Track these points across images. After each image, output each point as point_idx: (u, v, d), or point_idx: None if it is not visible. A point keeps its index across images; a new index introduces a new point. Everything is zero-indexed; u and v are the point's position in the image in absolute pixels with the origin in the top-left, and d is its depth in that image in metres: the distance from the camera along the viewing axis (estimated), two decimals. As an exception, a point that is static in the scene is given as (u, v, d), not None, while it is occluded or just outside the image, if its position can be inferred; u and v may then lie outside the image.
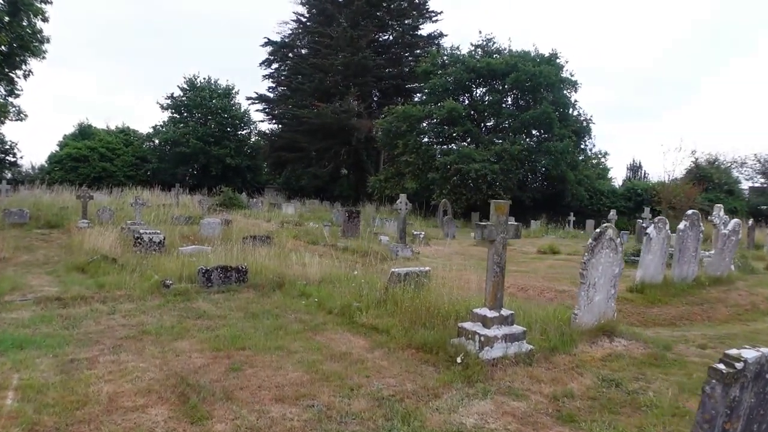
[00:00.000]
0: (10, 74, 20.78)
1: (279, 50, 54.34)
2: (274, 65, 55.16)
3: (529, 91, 39.96)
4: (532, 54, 41.54)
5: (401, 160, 39.37)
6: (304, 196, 44.09)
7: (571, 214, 35.69)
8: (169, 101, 51.89)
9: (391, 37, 53.40)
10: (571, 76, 41.96)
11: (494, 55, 41.97)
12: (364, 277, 10.23)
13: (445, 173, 35.94)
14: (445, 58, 43.63)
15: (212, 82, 53.09)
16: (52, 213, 20.80)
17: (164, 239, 14.25)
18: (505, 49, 43.03)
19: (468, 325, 6.71)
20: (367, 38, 49.17)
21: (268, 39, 53.64)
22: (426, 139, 40.87)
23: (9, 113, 19.70)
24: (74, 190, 29.04)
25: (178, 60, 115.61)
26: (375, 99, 52.53)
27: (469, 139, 39.72)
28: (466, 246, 21.47)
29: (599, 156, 46.34)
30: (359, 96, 47.97)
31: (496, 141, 38.51)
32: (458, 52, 43.41)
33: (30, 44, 19.95)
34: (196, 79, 52.45)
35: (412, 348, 6.88)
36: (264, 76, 55.95)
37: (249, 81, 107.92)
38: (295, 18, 53.84)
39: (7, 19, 18.90)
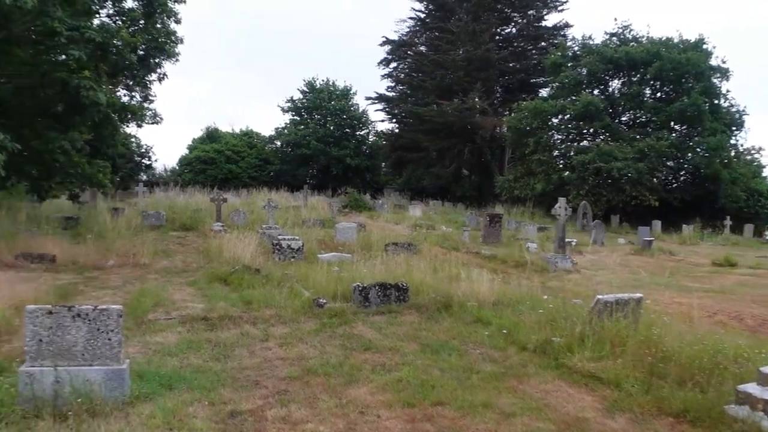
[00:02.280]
0: (146, 78, 20.76)
1: (397, 49, 53.31)
2: (393, 64, 54.23)
3: (673, 82, 36.16)
4: (675, 40, 37.68)
5: (532, 159, 36.88)
6: (425, 197, 42.66)
7: (728, 217, 31.76)
8: (289, 104, 52.33)
9: (514, 30, 50.81)
10: (723, 63, 37.63)
11: (631, 44, 38.47)
12: (553, 302, 8.42)
13: (582, 172, 33.13)
14: (576, 48, 40.64)
15: (331, 83, 52.99)
16: (186, 215, 20.63)
17: (303, 246, 13.19)
18: (642, 36, 39.40)
19: (755, 390, 4.76)
20: (489, 31, 46.97)
21: (386, 38, 52.78)
22: (558, 136, 38.12)
23: (145, 116, 19.59)
24: (204, 191, 29.35)
25: (297, 63, 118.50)
26: (498, 95, 50.17)
27: (606, 135, 36.50)
28: (624, 255, 19.00)
29: (753, 152, 41.37)
30: (482, 92, 45.83)
31: (638, 137, 35.04)
32: (591, 42, 40.26)
33: (164, 45, 19.68)
34: (315, 82, 52.58)
35: (666, 414, 5.03)
36: (382, 76, 55.18)
37: (367, 81, 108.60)
38: (413, 15, 52.59)
39: (142, 22, 18.67)
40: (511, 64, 48.70)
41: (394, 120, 53.82)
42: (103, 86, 14.80)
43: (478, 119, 44.08)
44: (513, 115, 39.46)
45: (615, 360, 6.14)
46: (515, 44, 50.46)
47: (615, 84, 39.36)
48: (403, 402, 5.19)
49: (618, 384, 5.65)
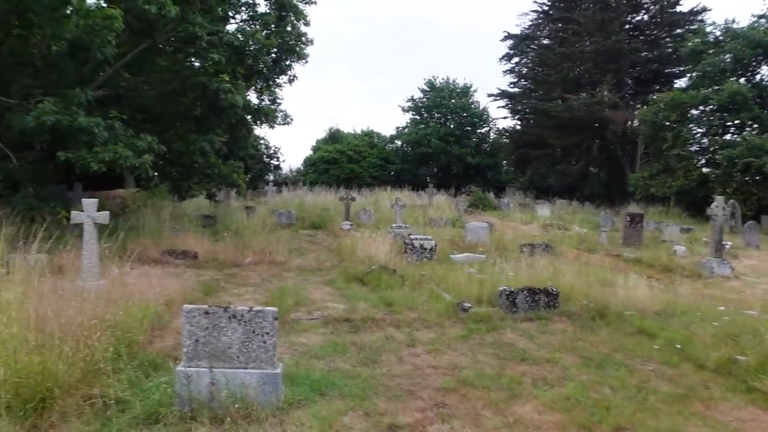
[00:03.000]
0: (277, 80, 21.18)
1: (519, 43, 51.69)
2: (515, 59, 52.67)
3: (836, 66, 32.15)
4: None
5: (670, 154, 34.19)
6: (550, 196, 40.97)
7: None
8: (409, 103, 52.33)
9: (645, 17, 47.50)
10: None
11: (784, 25, 34.60)
12: (729, 313, 7.40)
13: (728, 168, 30.21)
14: (717, 34, 37.21)
15: (451, 82, 52.39)
16: (315, 214, 20.93)
17: (435, 246, 12.77)
18: (796, 16, 35.31)
19: None
20: (619, 20, 44.24)
21: (508, 33, 51.33)
22: (699, 130, 35.09)
23: (277, 118, 20.02)
24: (329, 191, 29.83)
25: (417, 63, 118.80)
26: (629, 87, 47.19)
27: (755, 128, 33.08)
28: (788, 259, 16.92)
29: None
30: (613, 85, 43.26)
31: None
32: (735, 26, 36.70)
33: (294, 47, 19.94)
34: (435, 80, 52.23)
35: None
36: (504, 72, 53.84)
37: (488, 78, 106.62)
38: (535, 8, 50.75)
39: (273, 26, 19.04)
40: (643, 54, 45.57)
41: (516, 117, 52.26)
42: (240, 89, 15.17)
43: (608, 113, 41.65)
44: (647, 107, 36.80)
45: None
46: (647, 32, 47.19)
47: (765, 71, 35.66)
48: (578, 425, 4.58)
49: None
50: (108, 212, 8.34)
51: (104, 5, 11.77)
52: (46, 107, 10.90)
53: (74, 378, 4.74)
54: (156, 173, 15.85)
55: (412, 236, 13.44)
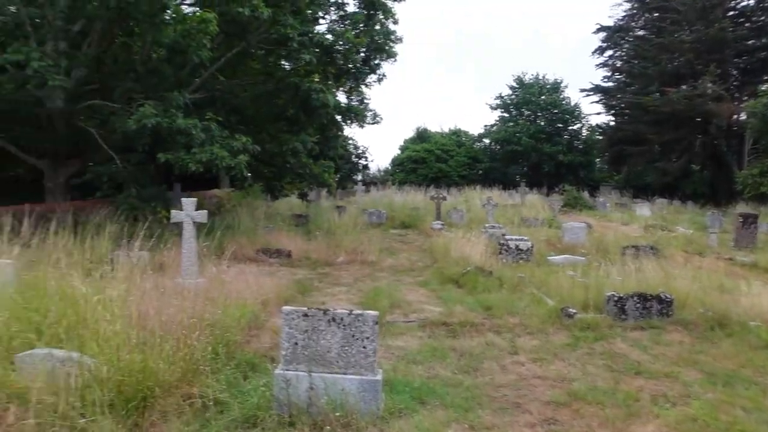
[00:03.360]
0: (366, 79, 21.14)
1: (613, 35, 49.39)
2: (608, 52, 50.41)
3: None
4: None
5: (785, 149, 31.64)
6: (648, 195, 38.88)
7: None
8: (498, 101, 51.34)
9: (752, 2, 44.14)
10: None
11: None
12: None
13: None
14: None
15: (540, 77, 50.96)
16: (404, 214, 20.76)
17: (532, 247, 12.23)
18: None
19: None
20: (723, 6, 41.33)
21: (601, 25, 49.14)
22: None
23: (367, 117, 19.98)
24: (417, 190, 29.61)
25: (504, 59, 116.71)
26: (735, 78, 44.06)
27: None
28: None
29: None
30: (716, 76, 40.51)
31: None
32: None
33: (384, 46, 19.79)
34: (524, 77, 50.96)
35: None
36: (597, 65, 51.55)
37: (579, 74, 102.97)
38: (630, -3, 48.29)
39: (362, 26, 18.98)
40: (749, 42, 42.40)
41: (611, 112, 49.94)
42: (331, 89, 15.21)
43: (712, 107, 39.00)
44: (756, 99, 34.15)
45: None
46: (754, 19, 43.81)
47: None
48: (713, 451, 4.07)
49: None
50: (206, 211, 8.45)
51: (199, 10, 12.06)
52: (146, 110, 11.26)
53: (174, 377, 4.70)
54: (250, 173, 16.17)
55: (506, 236, 12.95)
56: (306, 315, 4.49)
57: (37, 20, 12.91)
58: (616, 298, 7.58)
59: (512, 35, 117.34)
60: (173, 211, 8.48)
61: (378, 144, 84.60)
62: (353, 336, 4.47)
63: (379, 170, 52.78)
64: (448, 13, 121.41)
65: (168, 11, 12.36)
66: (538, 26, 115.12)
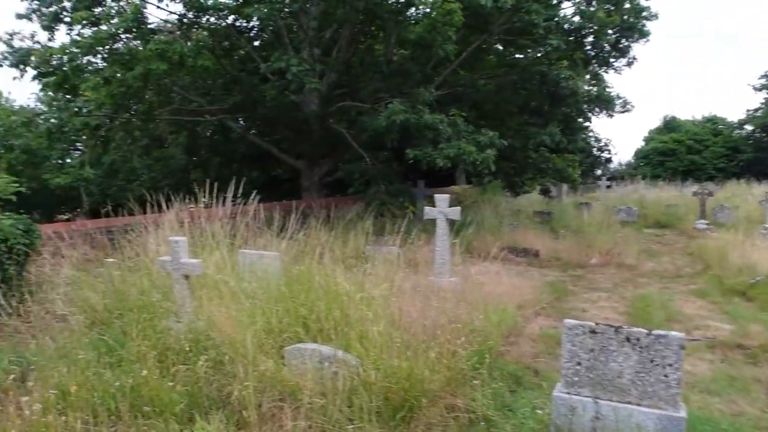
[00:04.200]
0: (614, 63, 19.41)
1: None
2: None
3: None
4: None
5: None
6: None
7: None
8: (763, 80, 44.38)
9: None
10: None
11: None
12: None
13: None
14: None
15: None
16: (659, 211, 18.67)
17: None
18: None
19: None
20: None
21: None
22: None
23: (615, 105, 18.32)
24: (668, 185, 26.76)
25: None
26: None
27: None
28: None
29: None
30: None
31: None
32: None
33: (635, 25, 17.88)
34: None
35: None
36: None
37: None
38: None
39: (612, 5, 17.33)
40: None
41: None
42: (581, 74, 14.14)
43: None
44: None
45: None
46: None
47: None
48: None
49: None
50: (459, 208, 8.18)
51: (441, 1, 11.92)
52: (395, 107, 11.40)
53: (437, 386, 4.37)
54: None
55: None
56: (593, 331, 3.83)
57: (293, 30, 13.96)
58: None
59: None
60: (426, 208, 8.34)
61: (618, 135, 78.53)
62: (652, 361, 3.70)
63: (620, 164, 49.11)
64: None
65: (413, 5, 12.44)
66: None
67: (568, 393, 3.93)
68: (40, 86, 14.31)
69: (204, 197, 7.90)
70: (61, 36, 51.44)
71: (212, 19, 12.92)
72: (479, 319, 5.51)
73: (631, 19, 17.61)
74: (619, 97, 18.78)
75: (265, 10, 11.23)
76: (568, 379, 3.95)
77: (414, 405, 4.19)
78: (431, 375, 4.35)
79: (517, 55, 16.45)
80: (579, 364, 3.89)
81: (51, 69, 13.00)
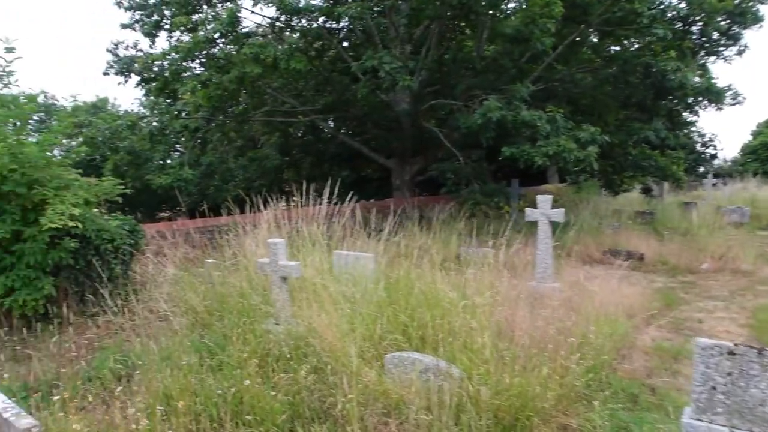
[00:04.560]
0: (725, 52, 18.06)
1: None
2: None
3: None
4: None
5: None
6: None
7: None
8: None
9: None
10: None
11: None
12: None
13: None
14: None
15: None
16: (774, 212, 17.25)
17: None
18: None
19: None
20: None
21: None
22: None
23: (725, 98, 17.00)
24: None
25: None
26: None
27: None
28: None
29: None
30: None
31: None
32: None
33: (748, 10, 16.51)
34: None
35: None
36: None
37: None
38: None
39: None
40: None
41: None
42: (691, 65, 13.23)
43: None
44: None
45: None
46: None
47: None
48: None
49: None
50: (563, 209, 7.76)
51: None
52: (491, 104, 11.05)
53: (549, 404, 4.08)
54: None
55: None
56: (732, 353, 3.42)
57: (383, 29, 13.85)
58: None
59: None
60: (527, 209, 7.99)
61: (721, 129, 73.47)
62: (802, 388, 3.27)
63: (725, 160, 46.00)
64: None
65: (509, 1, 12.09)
66: None
67: (700, 419, 3.54)
68: (143, 91, 15.02)
69: (298, 197, 7.90)
70: (161, 43, 54.13)
71: (303, 21, 13.04)
72: (591, 331, 5.14)
73: (744, 4, 16.36)
74: (729, 89, 17.44)
75: (357, 9, 11.18)
76: (700, 405, 3.55)
77: (525, 425, 3.93)
78: (543, 392, 4.07)
79: (613, 47, 15.66)
80: (714, 388, 3.49)
81: (153, 75, 13.58)
